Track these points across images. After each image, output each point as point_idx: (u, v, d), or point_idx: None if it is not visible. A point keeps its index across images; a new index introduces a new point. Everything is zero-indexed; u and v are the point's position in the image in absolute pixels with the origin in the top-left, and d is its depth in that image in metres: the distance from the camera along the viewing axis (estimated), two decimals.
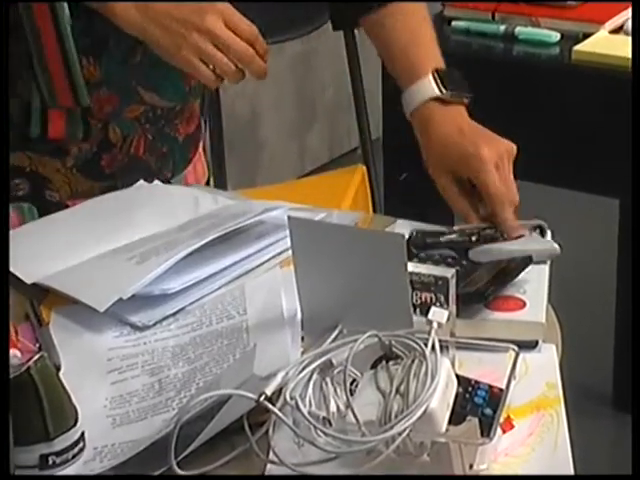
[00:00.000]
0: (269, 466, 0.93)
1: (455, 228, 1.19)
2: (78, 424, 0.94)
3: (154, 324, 1.11)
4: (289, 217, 1.00)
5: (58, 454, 0.93)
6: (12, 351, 1.07)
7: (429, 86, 1.28)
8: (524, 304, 1.13)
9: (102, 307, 1.10)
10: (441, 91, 1.27)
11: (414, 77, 1.29)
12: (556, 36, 2.18)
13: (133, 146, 1.34)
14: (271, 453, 0.92)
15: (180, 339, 1.09)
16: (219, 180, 2.53)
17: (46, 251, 1.20)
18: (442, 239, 1.20)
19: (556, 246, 1.17)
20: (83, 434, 0.95)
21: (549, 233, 1.20)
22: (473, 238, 1.18)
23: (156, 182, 1.34)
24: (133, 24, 1.19)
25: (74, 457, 0.94)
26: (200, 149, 1.46)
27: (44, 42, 1.22)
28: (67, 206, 1.32)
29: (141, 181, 1.33)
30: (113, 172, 1.34)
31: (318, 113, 3.47)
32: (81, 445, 0.95)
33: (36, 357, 0.93)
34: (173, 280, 1.13)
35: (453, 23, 2.25)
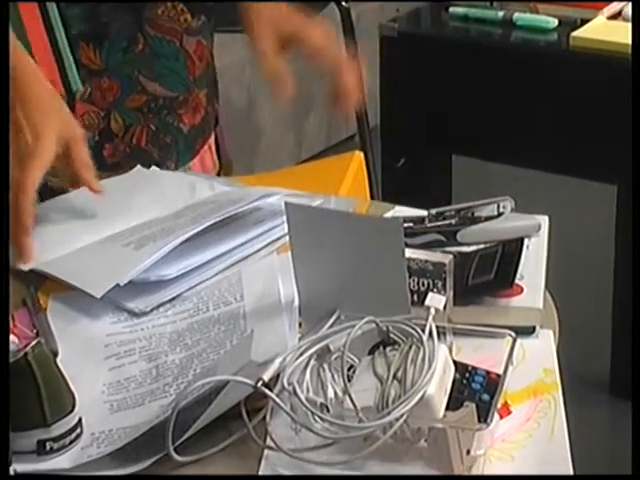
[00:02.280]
0: (266, 452, 0.93)
1: (433, 212, 1.18)
2: (75, 410, 0.94)
3: (151, 310, 1.11)
4: (286, 203, 0.99)
5: (55, 440, 0.93)
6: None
7: None
8: (522, 290, 1.13)
9: (99, 293, 1.10)
10: None
11: None
12: (554, 22, 2.17)
13: (135, 136, 1.34)
14: (268, 439, 0.92)
15: (177, 325, 1.09)
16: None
17: (43, 238, 1.20)
18: (429, 224, 1.20)
19: (539, 220, 1.17)
20: (80, 420, 0.95)
21: (508, 208, 1.19)
22: (453, 221, 1.18)
23: (153, 168, 1.34)
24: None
25: (71, 443, 0.94)
26: (210, 141, 1.45)
27: (30, 31, 1.21)
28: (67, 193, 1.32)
29: (138, 166, 1.32)
30: (115, 162, 1.34)
31: (315, 101, 3.46)
32: (78, 431, 0.95)
33: (33, 343, 0.93)
34: (170, 266, 1.13)
35: (451, 9, 2.25)
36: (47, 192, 1.30)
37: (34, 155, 1.14)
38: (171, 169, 1.38)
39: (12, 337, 1.07)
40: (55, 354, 1.01)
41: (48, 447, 0.92)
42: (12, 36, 1.18)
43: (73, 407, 0.94)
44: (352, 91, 1.24)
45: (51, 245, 1.20)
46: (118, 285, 1.10)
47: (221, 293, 1.12)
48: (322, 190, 1.27)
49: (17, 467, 0.89)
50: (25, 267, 1.16)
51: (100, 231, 1.21)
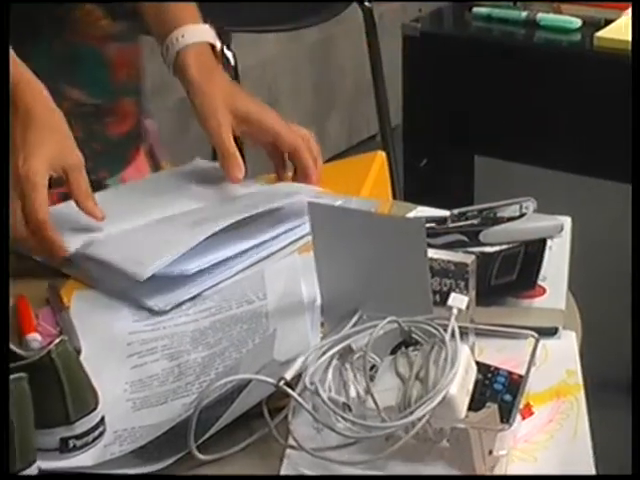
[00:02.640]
0: (288, 451, 0.93)
1: (455, 212, 1.18)
2: (98, 408, 0.95)
3: (171, 309, 1.11)
4: (309, 202, 0.99)
5: (78, 437, 0.93)
6: (33, 335, 1.08)
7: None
8: (544, 291, 1.12)
9: (142, 275, 1.10)
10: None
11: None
12: (578, 22, 2.17)
13: None
14: (290, 438, 0.92)
15: (199, 324, 1.09)
16: None
17: (84, 224, 1.20)
18: (451, 224, 1.20)
19: (562, 221, 1.16)
20: (103, 418, 0.95)
21: (531, 209, 1.19)
22: (475, 221, 1.18)
23: (197, 160, 1.33)
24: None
25: (94, 440, 0.94)
26: (146, 148, 1.43)
27: None
28: None
29: (197, 159, 1.32)
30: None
31: (336, 100, 3.46)
32: (101, 429, 0.95)
33: (57, 340, 0.93)
34: (192, 261, 1.13)
35: (474, 9, 2.25)
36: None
37: (27, 177, 1.13)
38: (104, 177, 1.37)
39: (36, 335, 1.08)
40: (78, 352, 1.02)
41: (71, 445, 0.93)
42: (13, 55, 1.17)
43: (96, 405, 0.95)
44: (312, 169, 1.27)
45: (93, 230, 1.20)
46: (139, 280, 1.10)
47: (243, 291, 1.12)
48: (344, 190, 1.27)
49: (40, 464, 0.89)
50: (70, 250, 1.16)
51: (136, 218, 1.22)
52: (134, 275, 1.10)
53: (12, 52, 1.17)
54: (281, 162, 1.31)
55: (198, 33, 1.30)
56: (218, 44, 1.31)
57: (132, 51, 1.38)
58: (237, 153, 1.26)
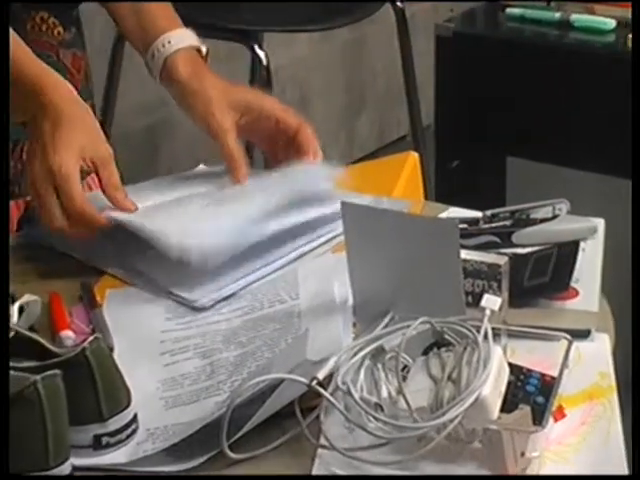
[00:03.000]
0: (320, 451, 0.93)
1: (487, 213, 1.18)
2: (131, 405, 0.95)
3: (211, 306, 1.12)
4: (342, 202, 1.00)
5: (111, 435, 0.93)
6: (66, 332, 1.08)
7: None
8: (577, 293, 1.12)
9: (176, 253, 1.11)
10: None
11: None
12: (612, 23, 2.15)
13: (25, 151, 1.31)
14: (322, 438, 0.93)
15: (232, 323, 1.10)
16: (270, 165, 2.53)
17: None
18: (484, 226, 1.20)
19: (595, 223, 1.16)
20: (136, 415, 0.96)
21: (564, 210, 1.19)
22: (508, 223, 1.18)
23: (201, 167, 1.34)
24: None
25: (127, 438, 0.95)
26: None
27: None
28: None
29: (201, 165, 1.33)
30: (9, 179, 1.32)
31: (367, 100, 3.46)
32: (134, 426, 0.95)
33: (91, 338, 0.94)
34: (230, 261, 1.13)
35: (507, 10, 2.24)
36: None
37: (59, 170, 1.13)
38: None
39: (69, 332, 1.08)
40: (111, 350, 1.02)
41: (104, 442, 0.93)
42: (29, 52, 1.18)
43: (129, 403, 0.95)
44: (316, 144, 1.27)
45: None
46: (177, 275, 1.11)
47: (276, 291, 1.13)
48: (376, 190, 1.27)
49: (74, 461, 0.90)
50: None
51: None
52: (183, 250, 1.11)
53: (28, 49, 1.18)
54: (282, 148, 1.29)
55: (184, 38, 1.29)
56: (204, 48, 1.31)
57: (83, 57, 1.39)
58: (242, 157, 1.25)
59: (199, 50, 1.30)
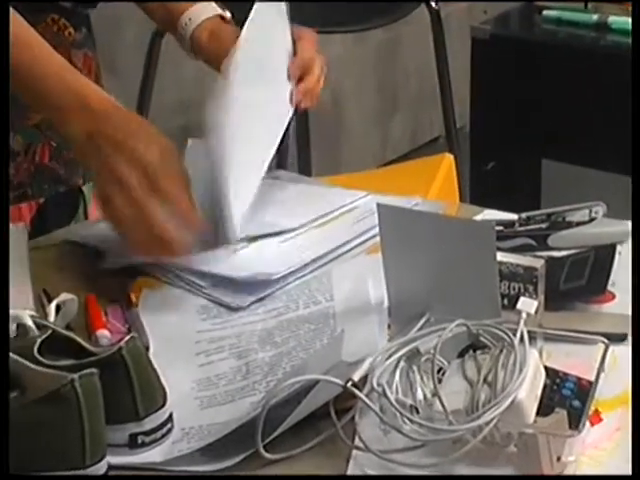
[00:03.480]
0: (354, 452, 0.93)
1: (523, 215, 1.18)
2: (167, 405, 0.95)
3: (248, 305, 1.12)
4: (378, 204, 0.99)
5: (147, 434, 0.94)
6: (102, 331, 1.09)
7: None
8: (613, 296, 1.12)
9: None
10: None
11: None
12: None
13: (37, 154, 1.33)
14: (357, 439, 0.93)
15: (267, 323, 1.10)
16: (305, 167, 2.54)
17: None
18: (519, 228, 1.19)
19: (629, 226, 1.15)
20: (171, 415, 0.96)
21: (600, 213, 1.18)
22: (544, 225, 1.17)
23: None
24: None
25: (163, 437, 0.95)
26: None
27: None
28: None
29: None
30: (21, 181, 1.33)
31: (400, 102, 3.46)
32: (169, 425, 0.96)
33: (127, 337, 0.94)
34: (277, 266, 1.14)
35: (544, 12, 2.23)
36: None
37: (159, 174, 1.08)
38: (79, 185, 1.37)
39: (105, 332, 1.09)
40: (146, 349, 1.03)
41: (140, 441, 0.94)
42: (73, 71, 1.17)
43: (164, 402, 0.95)
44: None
45: None
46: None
47: (311, 292, 1.13)
48: (411, 192, 1.27)
49: (110, 459, 0.90)
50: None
51: None
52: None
53: (61, 58, 1.18)
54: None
55: (201, 13, 1.33)
56: (227, 13, 1.34)
57: (93, 57, 1.40)
58: None
59: (223, 17, 1.33)
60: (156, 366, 0.97)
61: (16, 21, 1.15)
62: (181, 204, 1.09)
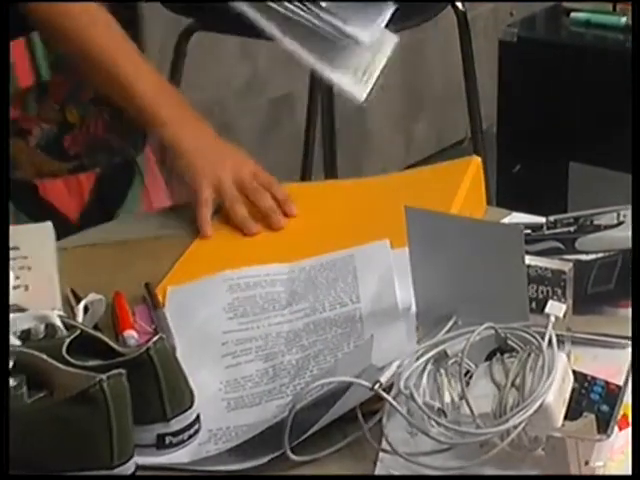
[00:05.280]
0: (381, 454, 0.93)
1: (551, 219, 1.17)
2: (194, 406, 0.96)
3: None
4: (406, 207, 0.99)
5: (174, 434, 0.94)
6: (129, 332, 1.09)
7: None
8: None
9: None
10: None
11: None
12: None
13: (92, 126, 1.38)
14: (384, 441, 0.92)
15: (294, 325, 1.10)
16: (330, 169, 2.53)
17: None
18: (547, 231, 1.19)
19: None
20: (199, 416, 0.96)
21: (629, 217, 1.17)
22: (572, 229, 1.17)
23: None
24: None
25: (190, 438, 0.95)
26: None
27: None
28: (35, 186, 1.36)
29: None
30: (77, 152, 1.38)
31: (425, 103, 3.45)
32: (197, 427, 0.96)
33: (155, 338, 0.94)
34: None
35: (572, 14, 2.22)
36: (15, 185, 1.32)
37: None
38: (133, 156, 1.43)
39: (132, 332, 1.09)
40: (173, 350, 1.03)
41: (167, 441, 0.94)
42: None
43: (192, 403, 0.96)
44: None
45: None
46: None
47: (337, 293, 1.12)
48: (438, 194, 1.26)
49: (138, 460, 0.91)
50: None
51: None
52: None
53: (150, 66, 1.24)
54: None
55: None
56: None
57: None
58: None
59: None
60: (184, 366, 0.97)
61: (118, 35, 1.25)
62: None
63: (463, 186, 1.27)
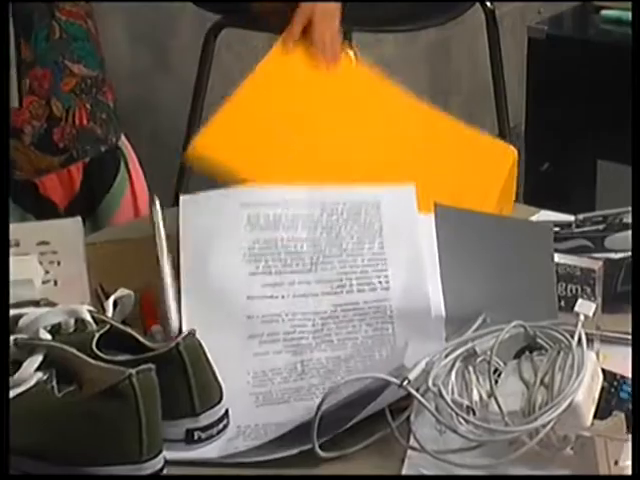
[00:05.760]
0: (409, 452, 0.93)
1: (580, 217, 1.17)
2: (223, 401, 0.96)
3: None
4: (436, 205, 0.99)
5: (203, 429, 0.94)
6: (158, 327, 1.09)
7: None
8: None
9: None
10: None
11: None
12: None
13: (77, 117, 1.40)
14: (412, 439, 0.92)
15: (319, 302, 1.06)
16: None
17: None
18: (576, 230, 1.18)
19: None
20: (227, 411, 0.96)
21: None
22: (600, 227, 1.16)
23: None
24: None
25: (218, 433, 0.95)
26: None
27: None
28: (34, 184, 1.38)
29: None
30: (66, 145, 1.39)
31: (452, 101, 3.45)
32: (225, 422, 0.96)
33: (185, 333, 0.95)
34: None
35: (603, 12, 2.21)
36: (17, 185, 1.36)
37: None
38: (114, 142, 1.45)
39: (160, 328, 1.09)
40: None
41: (196, 436, 0.94)
42: None
43: (221, 398, 0.96)
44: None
45: None
46: None
47: (365, 273, 1.08)
48: (471, 186, 1.21)
49: (167, 454, 0.91)
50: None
51: None
52: None
53: None
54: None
55: None
56: None
57: (97, 27, 1.46)
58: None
59: None
60: (207, 347, 0.95)
61: None
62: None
63: (498, 182, 1.24)
